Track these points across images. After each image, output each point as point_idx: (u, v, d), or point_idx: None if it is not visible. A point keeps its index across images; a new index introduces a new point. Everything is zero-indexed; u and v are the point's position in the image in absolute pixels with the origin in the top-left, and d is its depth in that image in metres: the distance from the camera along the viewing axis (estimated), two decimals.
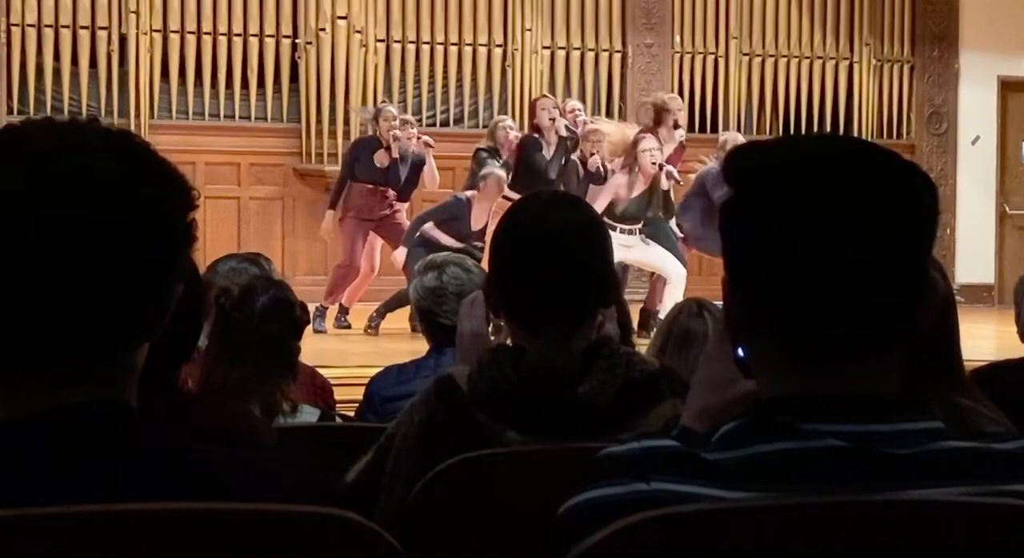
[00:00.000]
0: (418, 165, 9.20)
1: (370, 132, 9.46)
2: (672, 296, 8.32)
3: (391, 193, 9.11)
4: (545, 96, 9.64)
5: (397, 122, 9.10)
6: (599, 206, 8.50)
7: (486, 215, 8.84)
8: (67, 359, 1.25)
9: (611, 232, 8.55)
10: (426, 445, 2.08)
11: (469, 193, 9.03)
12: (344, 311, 9.37)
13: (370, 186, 9.09)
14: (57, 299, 1.22)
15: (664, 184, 8.58)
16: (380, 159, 9.04)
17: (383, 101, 9.73)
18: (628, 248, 8.49)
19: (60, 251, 1.22)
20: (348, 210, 9.18)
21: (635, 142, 8.75)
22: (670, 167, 8.54)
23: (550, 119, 9.01)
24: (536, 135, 9.09)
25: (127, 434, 1.27)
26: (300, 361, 3.23)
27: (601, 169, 9.00)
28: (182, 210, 1.30)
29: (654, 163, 8.47)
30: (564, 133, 8.97)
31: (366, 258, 9.34)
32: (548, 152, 8.99)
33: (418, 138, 9.21)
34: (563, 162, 9.02)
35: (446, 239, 8.73)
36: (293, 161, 11.41)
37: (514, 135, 9.29)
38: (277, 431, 2.51)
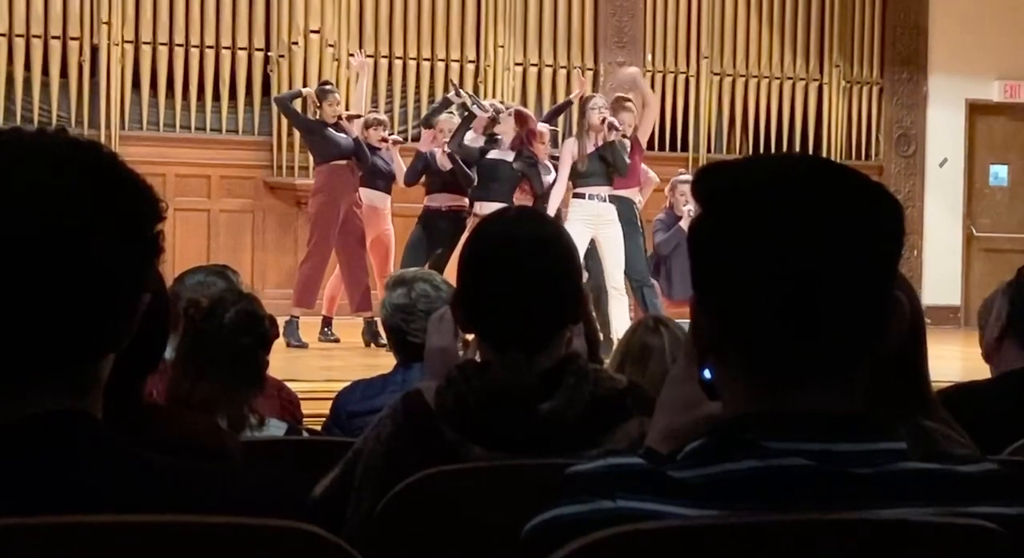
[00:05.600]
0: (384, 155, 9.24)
1: (317, 115, 9.32)
2: (614, 313, 8.28)
3: (358, 172, 9.01)
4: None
5: (341, 107, 9.14)
6: (563, 175, 8.61)
7: (446, 158, 8.86)
8: (31, 369, 1.24)
9: (581, 201, 8.56)
10: (393, 460, 2.08)
11: (430, 148, 9.12)
12: (327, 322, 9.11)
13: (337, 162, 8.99)
14: (22, 308, 1.22)
15: (610, 136, 8.63)
16: (329, 117, 9.01)
17: (328, 83, 9.65)
18: (598, 219, 8.48)
19: (25, 261, 1.21)
20: (316, 193, 9.03)
21: (583, 102, 8.95)
22: (612, 119, 8.61)
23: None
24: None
25: (90, 445, 1.26)
26: (268, 374, 3.22)
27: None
28: (149, 221, 1.29)
29: (602, 120, 8.60)
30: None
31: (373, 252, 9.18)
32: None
33: (383, 139, 9.19)
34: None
35: (443, 198, 8.96)
36: (264, 174, 11.39)
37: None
38: (244, 444, 2.49)
